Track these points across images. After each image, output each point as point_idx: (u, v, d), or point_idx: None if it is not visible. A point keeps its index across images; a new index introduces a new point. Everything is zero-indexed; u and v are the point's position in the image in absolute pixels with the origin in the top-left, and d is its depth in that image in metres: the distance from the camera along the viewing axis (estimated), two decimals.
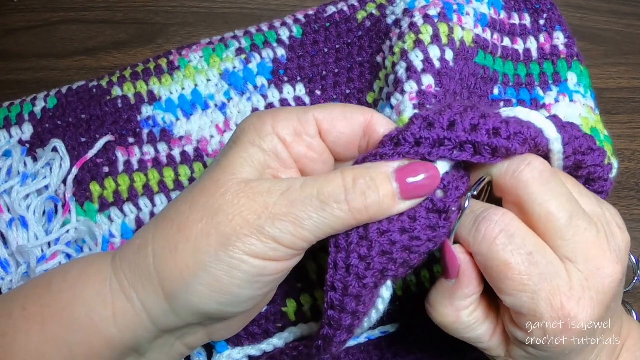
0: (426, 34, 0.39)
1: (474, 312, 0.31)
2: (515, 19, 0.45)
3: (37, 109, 0.45)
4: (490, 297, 0.32)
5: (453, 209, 0.30)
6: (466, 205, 0.30)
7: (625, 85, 0.54)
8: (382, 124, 0.31)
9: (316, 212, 0.28)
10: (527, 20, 0.45)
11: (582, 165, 0.32)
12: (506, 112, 0.30)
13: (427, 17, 0.40)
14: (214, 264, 0.28)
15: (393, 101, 0.39)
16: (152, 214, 0.43)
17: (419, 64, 0.38)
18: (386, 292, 0.32)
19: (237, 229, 0.28)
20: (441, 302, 0.32)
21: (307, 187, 0.28)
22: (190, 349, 0.33)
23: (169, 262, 0.28)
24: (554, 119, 0.31)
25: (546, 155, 0.31)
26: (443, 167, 0.30)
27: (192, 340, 0.33)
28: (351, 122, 0.31)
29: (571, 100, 0.43)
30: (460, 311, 0.31)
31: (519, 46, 0.45)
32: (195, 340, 0.33)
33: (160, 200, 0.43)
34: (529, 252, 0.28)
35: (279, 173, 0.30)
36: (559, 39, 0.45)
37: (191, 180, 0.43)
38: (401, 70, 0.39)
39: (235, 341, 0.40)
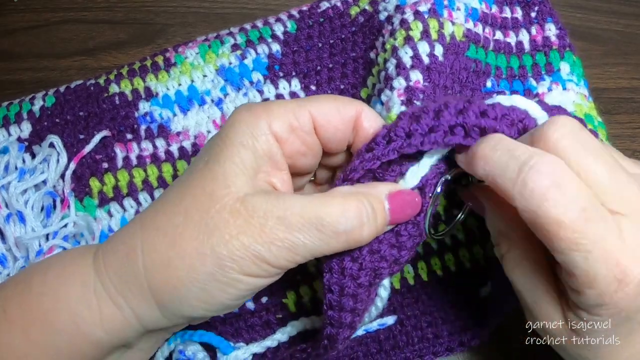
0: (416, 30, 0.39)
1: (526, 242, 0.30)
2: (507, 13, 0.45)
3: (36, 108, 0.45)
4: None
5: (429, 195, 0.30)
6: (438, 190, 0.30)
7: (625, 85, 0.53)
8: (369, 119, 0.31)
9: (312, 240, 0.27)
10: (518, 13, 0.45)
11: None
12: (488, 100, 0.30)
13: (417, 14, 0.40)
14: (208, 282, 0.28)
15: (383, 97, 0.39)
16: None
17: (407, 60, 0.38)
18: (384, 292, 0.32)
19: (233, 251, 0.27)
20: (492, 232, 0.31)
21: (305, 213, 0.27)
22: (173, 333, 0.34)
23: (162, 275, 0.28)
24: (540, 102, 0.31)
25: None
26: (427, 162, 0.30)
27: (176, 329, 0.33)
28: (344, 116, 0.30)
29: (564, 89, 0.43)
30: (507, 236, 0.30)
31: (511, 39, 0.45)
32: (179, 328, 0.33)
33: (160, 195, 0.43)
34: (582, 207, 0.25)
35: (271, 177, 0.30)
36: (551, 30, 0.44)
37: None
38: (391, 66, 0.39)
39: (236, 335, 0.40)
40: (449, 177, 0.31)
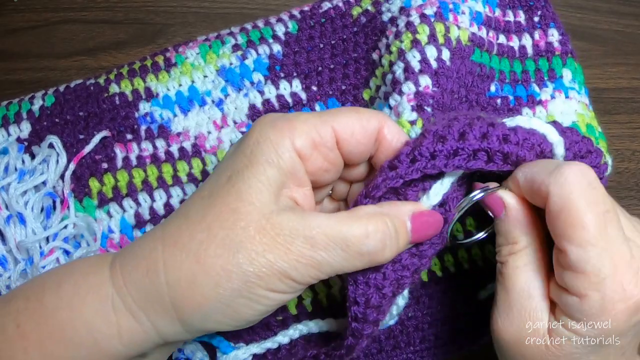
0: (423, 34, 0.39)
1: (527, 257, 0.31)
2: (510, 16, 0.45)
3: (35, 108, 0.44)
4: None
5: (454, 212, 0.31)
6: (464, 205, 0.31)
7: (625, 85, 0.53)
8: (391, 132, 0.31)
9: (336, 259, 0.28)
10: (521, 17, 0.45)
11: None
12: (508, 121, 0.31)
13: (423, 17, 0.40)
14: (234, 298, 0.28)
15: (391, 102, 0.39)
16: (151, 209, 0.42)
17: (416, 64, 0.38)
18: (401, 300, 0.33)
19: (259, 268, 0.27)
20: (499, 241, 0.32)
21: (330, 232, 0.28)
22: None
23: (186, 293, 0.28)
24: (555, 124, 0.32)
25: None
26: (449, 181, 0.31)
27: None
28: (367, 130, 0.30)
29: (567, 97, 0.43)
30: (512, 249, 0.31)
31: (514, 43, 0.44)
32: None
33: (159, 195, 0.42)
34: (606, 209, 0.27)
35: (294, 193, 0.29)
36: (554, 35, 0.44)
37: (189, 175, 0.43)
38: (399, 70, 0.39)
39: (236, 335, 0.39)
40: (476, 199, 0.31)
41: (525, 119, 0.31)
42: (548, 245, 0.31)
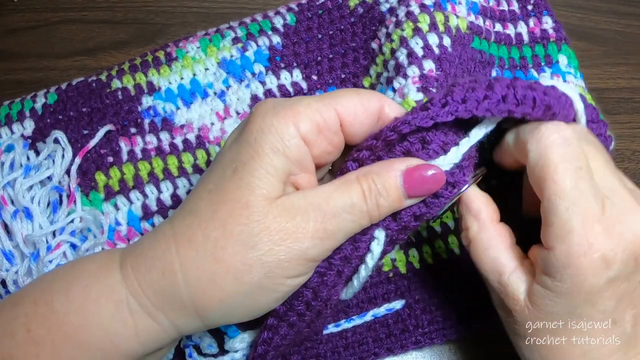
0: (424, 23, 0.40)
1: (497, 225, 0.32)
2: (504, 5, 0.46)
3: (38, 105, 0.44)
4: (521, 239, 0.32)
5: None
6: (464, 189, 0.31)
7: (625, 85, 0.52)
8: (392, 109, 0.31)
9: (346, 223, 0.28)
10: (515, 6, 0.46)
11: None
12: (544, 81, 0.31)
13: (423, 7, 0.40)
14: (254, 290, 0.28)
15: (395, 84, 0.39)
16: (158, 200, 0.42)
17: (419, 51, 0.39)
18: (377, 247, 0.31)
19: (279, 257, 0.27)
20: (464, 218, 0.32)
21: (335, 201, 0.28)
22: None
23: (207, 292, 0.27)
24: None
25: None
26: (468, 142, 0.30)
27: None
28: (368, 110, 0.30)
29: (564, 81, 0.44)
30: (480, 219, 0.31)
31: (510, 31, 0.45)
32: None
33: (166, 186, 0.42)
34: (579, 166, 0.28)
35: (299, 179, 0.29)
36: (547, 23, 0.45)
37: (194, 166, 0.43)
38: (402, 56, 0.39)
39: (243, 322, 0.39)
40: (476, 180, 0.32)
41: (560, 83, 0.31)
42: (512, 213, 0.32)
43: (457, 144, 0.30)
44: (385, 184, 0.29)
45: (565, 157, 0.28)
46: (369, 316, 0.42)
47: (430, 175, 0.29)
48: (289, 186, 0.29)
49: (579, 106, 0.31)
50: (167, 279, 0.27)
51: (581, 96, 0.32)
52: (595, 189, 0.28)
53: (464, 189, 0.31)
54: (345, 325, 0.42)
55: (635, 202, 0.29)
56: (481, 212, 0.31)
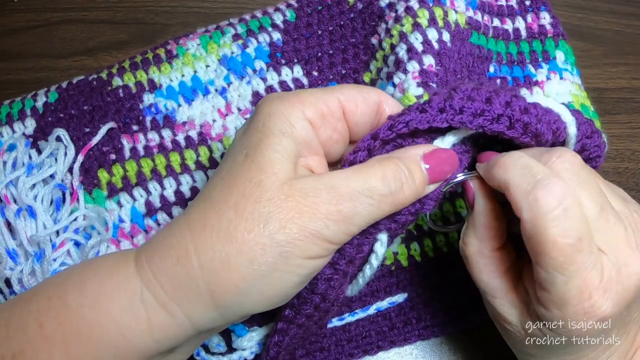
0: (423, 18, 0.40)
1: (496, 252, 0.31)
2: (502, 1, 0.46)
3: (39, 104, 0.44)
4: (515, 265, 0.31)
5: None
6: (456, 179, 0.31)
7: (625, 85, 0.52)
8: (390, 105, 0.32)
9: (364, 207, 0.28)
10: (513, 1, 0.46)
11: (585, 148, 0.33)
12: (528, 97, 0.31)
13: (422, 2, 0.40)
14: (270, 272, 0.27)
15: (395, 80, 0.39)
16: (161, 197, 0.41)
17: (419, 46, 0.39)
18: (380, 248, 0.31)
19: (292, 236, 0.26)
20: (467, 232, 0.32)
21: (351, 182, 0.27)
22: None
23: (222, 275, 0.27)
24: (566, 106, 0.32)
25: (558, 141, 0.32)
26: (449, 141, 0.31)
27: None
28: (369, 101, 0.31)
29: (561, 78, 0.44)
30: (483, 243, 0.31)
31: (508, 26, 0.45)
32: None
33: (169, 183, 0.42)
34: (579, 237, 0.26)
35: (309, 161, 0.29)
36: (545, 18, 0.45)
37: (197, 163, 0.42)
38: (402, 51, 0.40)
39: (250, 319, 0.39)
40: (465, 177, 0.31)
41: (543, 98, 0.31)
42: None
43: (443, 135, 0.31)
44: (410, 167, 0.29)
45: (565, 232, 0.26)
46: (372, 310, 0.42)
47: (447, 156, 0.30)
48: (302, 168, 0.29)
49: (568, 118, 0.31)
50: (182, 264, 0.27)
51: (577, 111, 0.32)
52: (594, 254, 0.27)
53: (457, 179, 0.31)
54: (348, 318, 0.42)
55: (627, 245, 0.28)
56: (485, 240, 0.31)
